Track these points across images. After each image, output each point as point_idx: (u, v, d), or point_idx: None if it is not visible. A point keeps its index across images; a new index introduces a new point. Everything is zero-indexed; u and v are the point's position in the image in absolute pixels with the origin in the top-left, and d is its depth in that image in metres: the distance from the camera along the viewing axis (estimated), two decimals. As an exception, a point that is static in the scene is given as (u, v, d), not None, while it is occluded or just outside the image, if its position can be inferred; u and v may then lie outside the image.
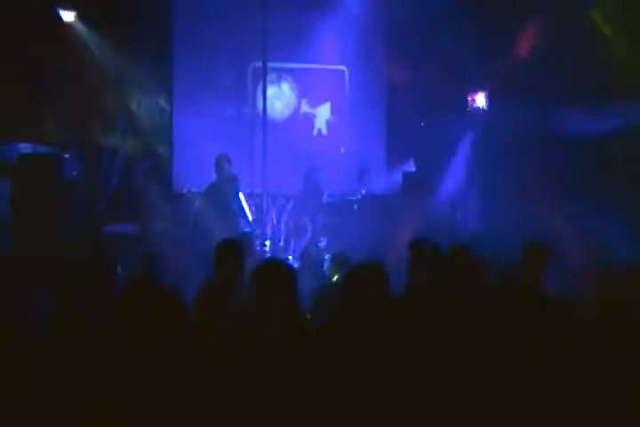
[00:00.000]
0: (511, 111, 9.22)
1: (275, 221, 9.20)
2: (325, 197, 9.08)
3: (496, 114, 9.79)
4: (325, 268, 6.56)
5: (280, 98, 10.22)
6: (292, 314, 3.00)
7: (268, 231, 9.03)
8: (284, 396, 2.73)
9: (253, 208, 8.90)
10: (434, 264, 4.12)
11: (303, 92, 10.34)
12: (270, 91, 9.68)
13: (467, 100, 10.13)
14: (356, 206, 9.01)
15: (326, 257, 8.13)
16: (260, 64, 9.15)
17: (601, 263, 6.29)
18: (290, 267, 3.19)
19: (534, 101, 8.99)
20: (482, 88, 10.04)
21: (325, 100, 10.39)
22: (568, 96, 8.73)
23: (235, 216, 8.33)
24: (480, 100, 10.00)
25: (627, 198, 7.89)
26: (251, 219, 8.69)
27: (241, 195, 8.55)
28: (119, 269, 4.69)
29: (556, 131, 9.16)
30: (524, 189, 8.79)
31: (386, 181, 9.93)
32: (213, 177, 8.41)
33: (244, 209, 8.61)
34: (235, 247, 4.44)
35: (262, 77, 9.12)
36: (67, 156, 8.21)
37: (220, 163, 8.29)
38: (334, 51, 10.09)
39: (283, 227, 9.17)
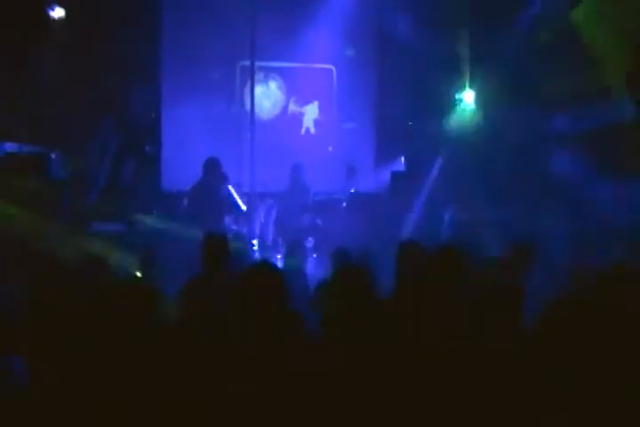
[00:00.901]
0: (500, 110, 9.26)
1: (263, 219, 9.20)
2: (312, 195, 9.08)
3: (485, 112, 9.82)
4: (312, 266, 6.58)
5: (268, 97, 10.22)
6: (283, 318, 3.00)
7: (257, 230, 9.03)
8: (278, 398, 2.74)
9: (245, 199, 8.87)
10: (420, 266, 4.13)
11: (291, 90, 10.34)
12: (258, 90, 9.69)
13: (455, 99, 10.14)
14: (344, 205, 9.02)
15: (314, 255, 8.16)
16: (247, 63, 9.15)
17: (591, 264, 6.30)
18: (278, 272, 3.17)
19: (523, 100, 9.03)
20: (471, 87, 10.05)
21: (313, 99, 10.40)
22: (557, 95, 8.75)
23: (221, 215, 8.27)
24: (469, 98, 10.02)
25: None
26: (244, 208, 8.66)
27: (230, 187, 8.51)
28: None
29: (546, 129, 9.18)
30: (512, 187, 8.82)
31: (374, 180, 9.94)
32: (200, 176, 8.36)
33: (235, 201, 8.57)
34: (217, 243, 4.43)
35: (250, 76, 9.12)
36: (54, 155, 8.16)
37: (210, 166, 8.19)
38: (323, 50, 10.09)
39: (271, 225, 9.16)
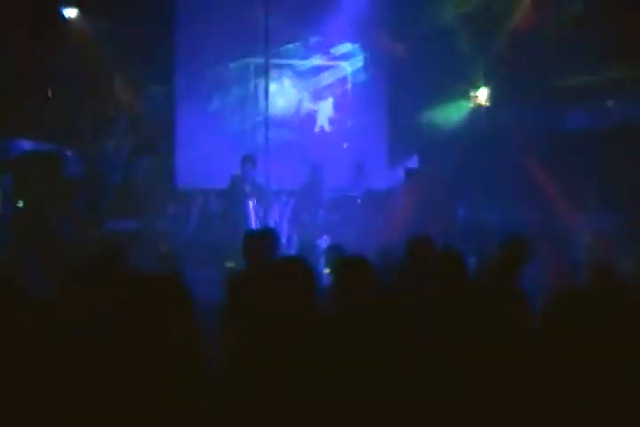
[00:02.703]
0: (513, 107, 9.23)
1: (277, 217, 9.20)
2: (327, 193, 9.09)
3: (498, 109, 9.77)
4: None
5: (282, 94, 10.21)
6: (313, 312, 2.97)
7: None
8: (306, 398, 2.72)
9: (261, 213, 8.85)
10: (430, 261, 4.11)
11: (305, 88, 10.33)
12: (272, 87, 9.67)
13: (469, 96, 10.09)
14: (358, 202, 9.03)
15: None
16: (262, 60, 9.16)
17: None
18: (308, 266, 3.13)
19: (536, 97, 9.00)
20: (484, 84, 10.00)
21: (327, 97, 10.38)
22: (569, 92, 8.71)
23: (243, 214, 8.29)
24: (482, 95, 9.97)
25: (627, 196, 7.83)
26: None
27: (251, 203, 8.52)
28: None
29: (558, 127, 9.14)
30: (524, 185, 8.78)
31: (388, 176, 9.92)
32: (235, 174, 8.43)
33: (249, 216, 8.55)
34: (264, 239, 4.42)
35: (264, 74, 9.12)
36: (68, 153, 8.21)
37: (251, 161, 8.29)
38: (336, 47, 10.10)
39: (285, 223, 9.17)
